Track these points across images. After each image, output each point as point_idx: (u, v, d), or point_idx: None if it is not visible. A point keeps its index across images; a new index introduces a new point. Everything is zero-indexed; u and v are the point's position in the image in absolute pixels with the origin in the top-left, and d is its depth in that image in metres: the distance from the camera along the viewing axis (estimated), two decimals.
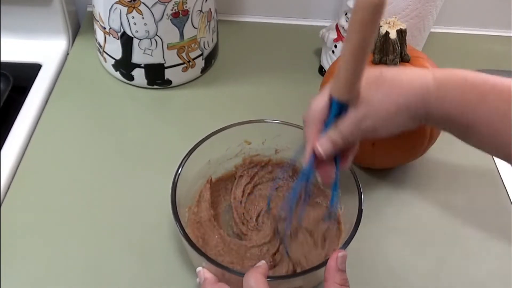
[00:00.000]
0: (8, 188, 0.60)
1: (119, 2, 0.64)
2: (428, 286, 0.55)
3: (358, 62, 0.39)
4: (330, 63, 0.71)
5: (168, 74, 0.73)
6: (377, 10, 0.36)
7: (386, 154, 0.59)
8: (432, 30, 0.77)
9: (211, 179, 0.57)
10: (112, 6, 0.65)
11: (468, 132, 0.44)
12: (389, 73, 0.44)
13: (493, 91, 0.41)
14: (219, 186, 0.59)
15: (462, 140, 0.46)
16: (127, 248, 0.55)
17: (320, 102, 0.44)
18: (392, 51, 0.55)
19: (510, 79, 0.42)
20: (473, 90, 0.42)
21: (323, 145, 0.44)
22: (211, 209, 0.55)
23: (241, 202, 0.57)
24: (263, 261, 0.44)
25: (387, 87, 0.43)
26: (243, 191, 0.58)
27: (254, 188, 0.59)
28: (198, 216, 0.54)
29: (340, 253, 0.43)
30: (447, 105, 0.43)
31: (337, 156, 0.47)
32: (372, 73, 0.44)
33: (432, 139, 0.59)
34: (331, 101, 0.43)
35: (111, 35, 0.69)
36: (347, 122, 0.43)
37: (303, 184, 0.49)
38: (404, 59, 0.57)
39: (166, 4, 0.64)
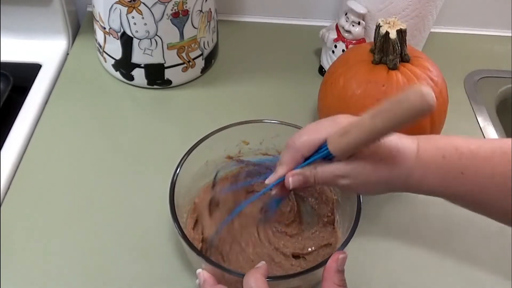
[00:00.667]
0: (8, 188, 0.60)
1: (119, 2, 0.64)
2: (428, 286, 0.55)
3: (373, 140, 0.39)
4: (330, 63, 0.71)
5: (168, 74, 0.73)
6: (426, 114, 0.35)
7: None
8: (432, 30, 0.77)
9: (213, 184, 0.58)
10: (112, 6, 0.65)
11: (452, 201, 0.45)
12: (385, 150, 0.43)
13: (472, 166, 0.41)
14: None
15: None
16: (126, 249, 0.55)
17: (312, 140, 0.44)
18: (392, 51, 0.55)
19: (486, 146, 0.42)
20: (452, 168, 0.42)
21: (295, 178, 0.45)
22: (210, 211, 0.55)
23: None
24: (263, 262, 0.44)
25: (377, 162, 0.42)
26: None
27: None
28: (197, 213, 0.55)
29: (341, 255, 0.43)
30: (427, 184, 0.43)
31: None
32: None
33: None
34: (322, 146, 0.43)
35: (111, 35, 0.69)
36: (327, 171, 0.43)
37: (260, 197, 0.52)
38: (404, 59, 0.57)
39: (166, 4, 0.64)
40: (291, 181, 0.45)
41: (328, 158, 0.43)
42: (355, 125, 0.40)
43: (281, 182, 0.46)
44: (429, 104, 0.34)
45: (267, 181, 0.47)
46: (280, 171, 0.46)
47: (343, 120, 0.43)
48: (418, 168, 0.42)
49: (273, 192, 0.48)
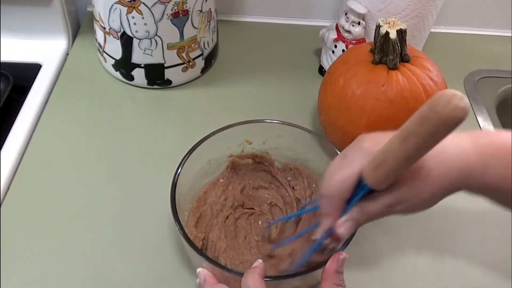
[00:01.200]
0: (8, 188, 0.60)
1: (119, 2, 0.64)
2: (428, 286, 0.55)
3: (409, 164, 0.36)
4: (330, 63, 0.71)
5: (168, 74, 0.73)
6: (455, 127, 0.31)
7: None
8: (432, 30, 0.77)
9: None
10: (112, 6, 0.65)
11: None
12: (429, 157, 0.37)
13: None
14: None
15: (508, 209, 0.43)
16: (127, 249, 0.55)
17: (346, 180, 0.40)
18: (392, 51, 0.55)
19: None
20: None
21: (346, 226, 0.41)
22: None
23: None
24: (260, 260, 0.44)
25: (425, 176, 0.39)
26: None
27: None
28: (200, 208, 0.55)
29: (341, 256, 0.43)
30: (491, 178, 0.39)
31: None
32: None
33: None
34: (360, 182, 0.40)
35: (111, 35, 0.69)
36: (376, 206, 0.40)
37: (313, 252, 0.46)
38: (404, 59, 0.57)
39: (166, 4, 0.64)
40: (343, 231, 0.41)
41: (370, 192, 0.40)
42: (387, 153, 0.36)
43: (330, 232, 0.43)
44: (462, 108, 0.30)
45: (315, 237, 0.44)
46: (327, 223, 0.42)
47: (369, 145, 0.40)
48: (479, 162, 0.39)
49: (325, 243, 0.44)
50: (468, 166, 0.39)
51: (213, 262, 0.44)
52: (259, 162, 0.60)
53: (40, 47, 0.79)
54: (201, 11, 0.69)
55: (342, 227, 0.41)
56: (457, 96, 0.30)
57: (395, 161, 0.36)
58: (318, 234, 0.43)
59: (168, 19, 0.66)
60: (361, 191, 0.40)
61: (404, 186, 0.39)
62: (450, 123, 0.31)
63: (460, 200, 0.62)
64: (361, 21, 0.70)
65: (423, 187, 0.39)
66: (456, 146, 0.39)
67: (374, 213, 0.40)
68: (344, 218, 0.41)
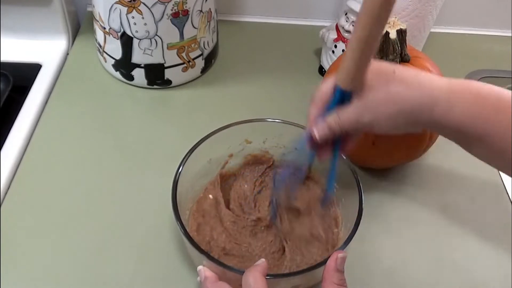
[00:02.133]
0: (8, 188, 0.60)
1: (119, 2, 0.64)
2: (428, 286, 0.55)
3: (363, 53, 0.39)
4: (330, 63, 0.71)
5: (168, 74, 0.73)
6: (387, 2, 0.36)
7: (386, 154, 0.59)
8: (432, 30, 0.77)
9: (219, 177, 0.58)
10: (112, 6, 0.65)
11: (476, 143, 0.43)
12: (403, 74, 0.43)
13: (508, 109, 0.40)
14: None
15: (467, 151, 0.45)
16: (128, 247, 0.55)
17: (327, 85, 0.44)
18: (392, 51, 0.55)
19: None
20: (486, 103, 0.41)
21: (319, 128, 0.44)
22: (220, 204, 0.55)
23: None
24: (263, 259, 0.44)
25: (395, 86, 0.42)
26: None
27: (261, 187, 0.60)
28: (201, 212, 0.55)
29: (340, 254, 0.43)
30: (456, 115, 0.41)
31: (337, 139, 0.46)
32: (385, 68, 0.43)
33: (432, 139, 0.59)
34: (335, 87, 0.43)
35: (111, 35, 0.69)
36: (348, 112, 0.43)
37: (296, 161, 0.50)
38: (404, 59, 0.57)
39: (166, 4, 0.64)
40: (316, 132, 0.44)
41: (346, 99, 0.43)
42: (346, 50, 0.40)
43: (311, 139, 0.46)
44: None
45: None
46: (307, 127, 0.46)
47: None
48: (447, 96, 0.41)
49: (307, 148, 0.47)
50: (435, 97, 0.42)
51: (214, 260, 0.44)
52: (257, 162, 0.60)
53: (40, 47, 0.79)
54: (201, 11, 0.69)
55: (316, 128, 0.45)
56: None
57: (351, 52, 0.39)
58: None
59: (168, 19, 0.66)
60: (335, 95, 0.43)
61: (373, 90, 0.42)
62: None
63: (461, 200, 0.62)
64: None
65: (389, 96, 0.42)
66: (430, 80, 0.42)
67: (346, 120, 0.43)
68: (319, 121, 0.45)
